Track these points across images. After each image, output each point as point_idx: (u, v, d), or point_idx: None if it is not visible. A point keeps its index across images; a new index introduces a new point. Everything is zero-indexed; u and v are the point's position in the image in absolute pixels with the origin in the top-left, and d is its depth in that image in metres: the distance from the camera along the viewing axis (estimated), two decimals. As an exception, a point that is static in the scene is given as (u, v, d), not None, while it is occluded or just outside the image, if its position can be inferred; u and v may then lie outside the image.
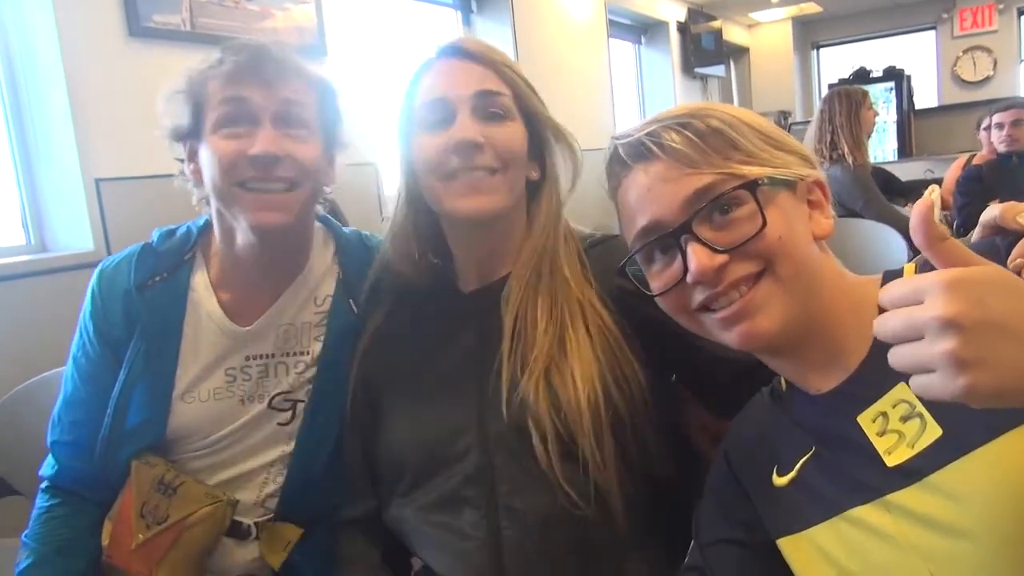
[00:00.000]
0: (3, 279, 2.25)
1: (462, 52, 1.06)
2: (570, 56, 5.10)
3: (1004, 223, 0.76)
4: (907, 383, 0.69)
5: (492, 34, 4.63)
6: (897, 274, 0.78)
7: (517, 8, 4.58)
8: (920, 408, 0.69)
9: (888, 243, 2.93)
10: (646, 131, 0.79)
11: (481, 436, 1.00)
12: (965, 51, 8.05)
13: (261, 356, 1.18)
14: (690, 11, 6.93)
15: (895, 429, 0.70)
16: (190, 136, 1.13)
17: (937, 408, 0.68)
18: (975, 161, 4.46)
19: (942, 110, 8.02)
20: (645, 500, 1.01)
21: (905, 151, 7.67)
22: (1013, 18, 7.88)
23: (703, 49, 7.04)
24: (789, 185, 0.77)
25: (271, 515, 1.20)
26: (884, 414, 0.72)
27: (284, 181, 1.09)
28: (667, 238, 0.77)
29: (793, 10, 8.08)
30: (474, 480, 0.99)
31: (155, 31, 2.62)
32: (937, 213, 4.07)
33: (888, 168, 4.70)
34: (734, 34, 8.09)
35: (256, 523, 1.18)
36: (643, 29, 6.68)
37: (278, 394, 1.18)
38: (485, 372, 1.02)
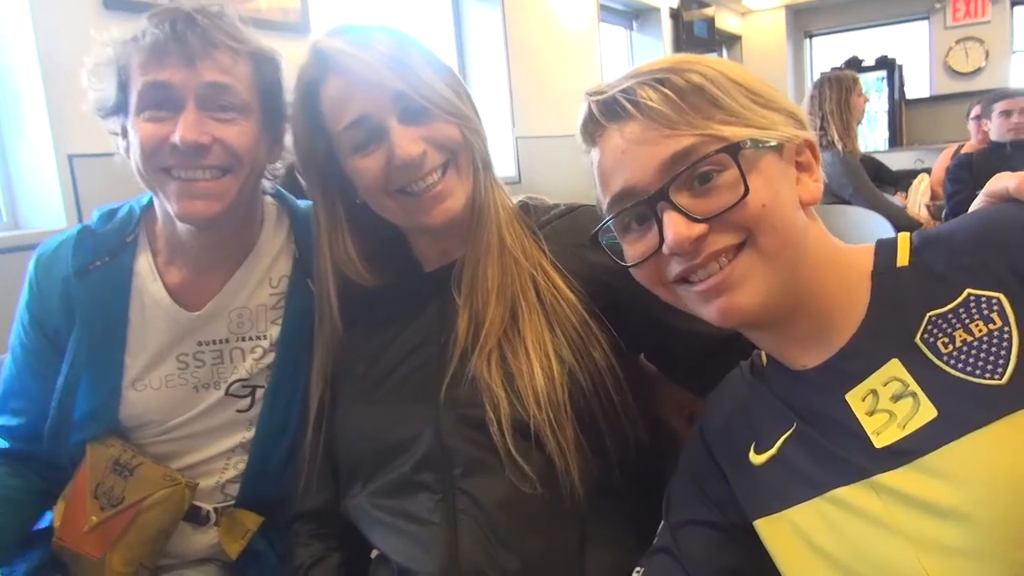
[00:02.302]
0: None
1: (360, 61, 0.94)
2: (561, 39, 5.04)
3: (1020, 194, 0.71)
4: (900, 360, 0.67)
5: (483, 17, 4.57)
6: (891, 243, 0.74)
7: (508, -11, 4.52)
8: (914, 387, 0.66)
9: (877, 231, 2.90)
10: (621, 87, 0.74)
11: (434, 417, 0.95)
12: (958, 41, 8.01)
13: (214, 341, 1.13)
14: (683, -3, 6.87)
15: (885, 408, 0.67)
16: (118, 112, 1.05)
17: (933, 388, 0.65)
18: (964, 150, 4.44)
19: (933, 100, 8.01)
20: (611, 481, 0.97)
21: (896, 141, 7.67)
22: (1006, 9, 7.84)
23: (695, 36, 6.98)
24: (775, 147, 0.72)
25: (231, 501, 1.16)
26: (874, 392, 0.68)
27: (214, 168, 1.02)
28: (642, 205, 0.72)
29: (787, -2, 8.04)
30: (428, 463, 0.94)
31: (132, 3, 2.53)
32: (926, 201, 4.07)
33: (879, 157, 4.69)
34: (727, 21, 8.03)
35: (216, 509, 1.14)
36: (635, 14, 6.61)
37: (235, 381, 1.14)
38: (445, 353, 0.98)
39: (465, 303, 0.98)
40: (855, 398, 0.69)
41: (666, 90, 0.71)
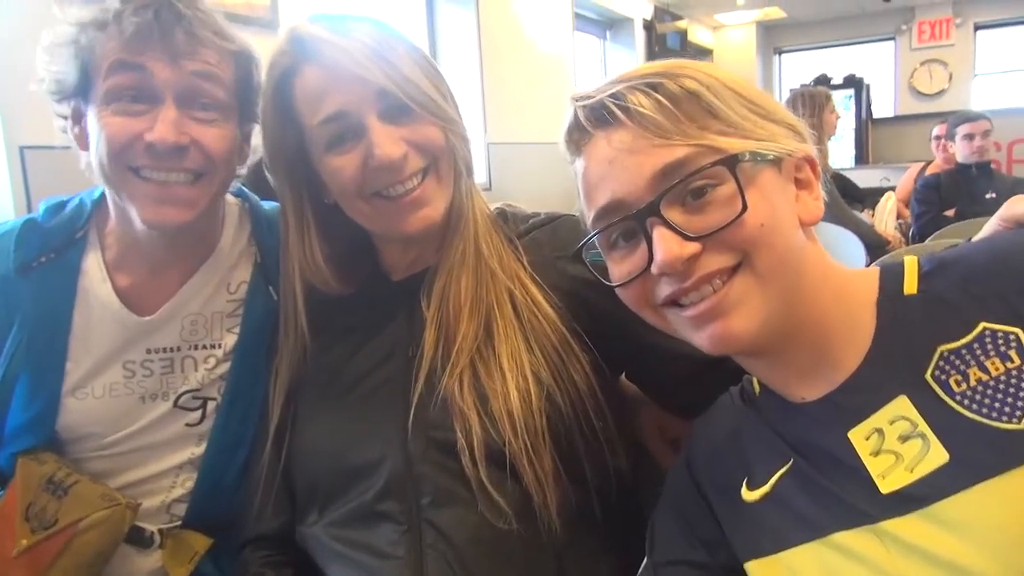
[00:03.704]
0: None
1: (342, 51, 0.87)
2: (535, 45, 5.01)
3: None
4: (909, 397, 0.62)
5: (456, 19, 4.51)
6: (897, 268, 0.69)
7: (482, -6, 4.46)
8: (923, 427, 0.60)
9: (846, 247, 2.90)
10: (610, 92, 0.68)
11: (400, 442, 0.88)
12: (922, 63, 8.18)
13: (165, 349, 1.05)
14: (656, 9, 6.89)
15: (892, 449, 0.61)
16: (75, 95, 0.96)
17: (944, 429, 0.60)
18: (930, 170, 4.50)
19: (899, 120, 8.17)
20: (590, 512, 0.90)
21: (862, 158, 7.78)
22: (970, 32, 8.02)
23: (668, 48, 7.00)
24: (774, 162, 0.66)
25: (178, 522, 1.07)
26: (879, 431, 0.63)
27: (188, 172, 0.94)
28: (630, 220, 0.66)
29: (758, 14, 8.11)
30: (392, 492, 0.87)
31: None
32: (893, 221, 4.11)
33: (845, 174, 4.73)
34: (699, 35, 8.09)
35: (160, 530, 1.06)
36: (609, 24, 6.62)
37: (185, 392, 1.05)
38: (412, 369, 0.91)
39: (434, 316, 0.91)
40: (858, 436, 0.64)
41: (659, 96, 0.66)
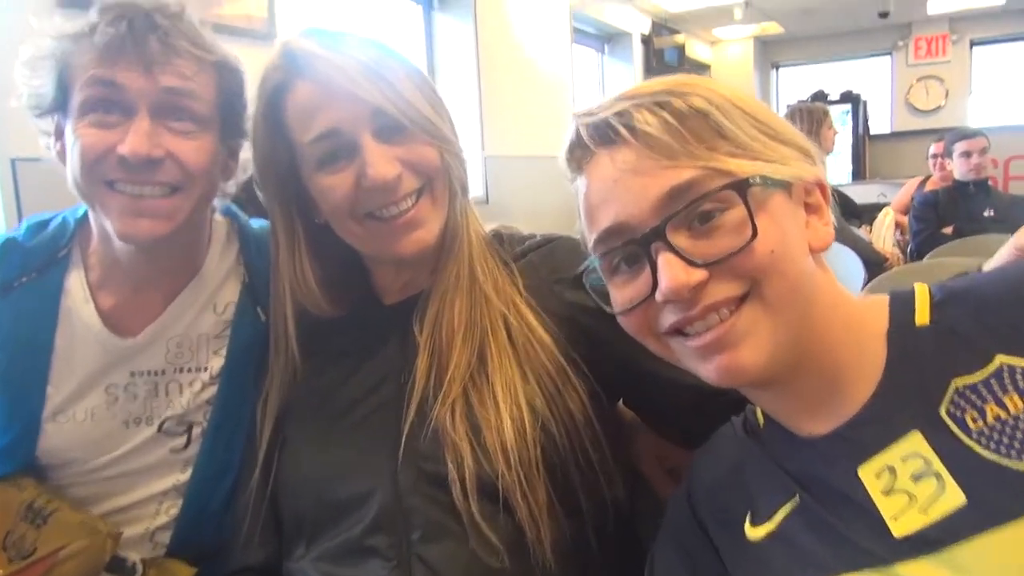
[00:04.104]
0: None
1: (336, 67, 0.84)
2: (533, 59, 5.00)
3: None
4: (923, 433, 0.59)
5: (454, 31, 4.50)
6: (908, 297, 0.67)
7: (480, 7, 4.45)
8: (938, 466, 0.58)
9: (845, 263, 2.88)
10: (615, 109, 0.65)
11: (390, 473, 0.85)
12: (919, 79, 8.20)
13: (149, 372, 1.01)
14: (654, 24, 6.90)
15: (904, 489, 0.59)
16: (55, 110, 0.94)
17: (960, 469, 0.57)
18: (929, 186, 4.50)
19: (895, 136, 8.18)
20: (586, 547, 0.87)
21: (859, 174, 7.78)
22: (966, 49, 8.05)
23: (665, 63, 7.02)
24: (785, 185, 0.64)
25: (162, 551, 1.04)
26: (891, 468, 0.60)
27: (163, 185, 0.91)
28: (634, 245, 0.64)
29: (756, 29, 8.14)
30: (381, 526, 0.84)
31: (88, 1, 2.42)
32: (891, 238, 4.10)
33: (842, 190, 4.72)
34: (696, 50, 8.11)
35: (143, 560, 1.02)
36: (607, 38, 6.63)
37: (170, 417, 1.02)
38: (403, 396, 0.88)
39: (427, 342, 0.89)
40: (869, 473, 0.61)
41: (666, 114, 0.63)
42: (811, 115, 3.49)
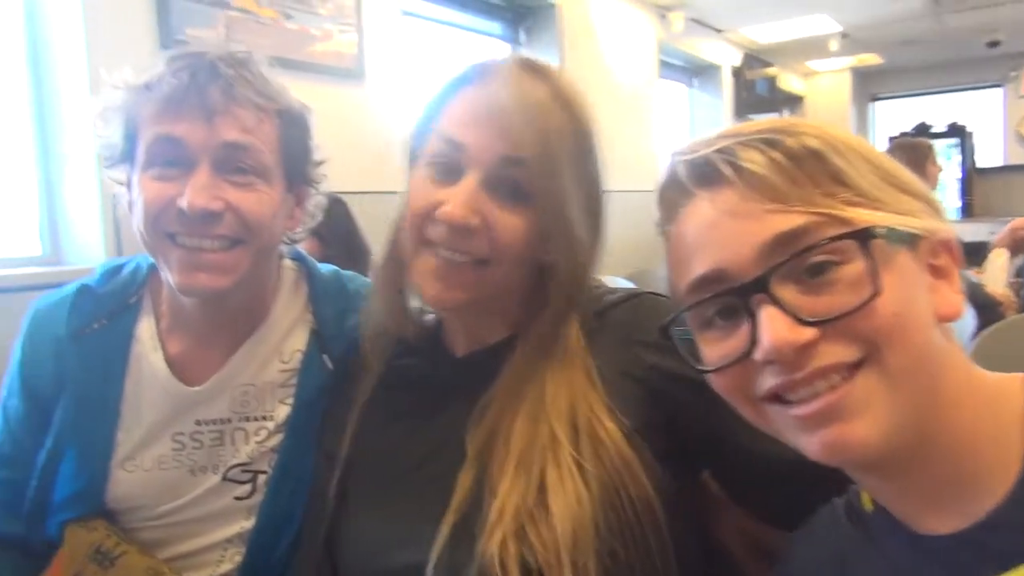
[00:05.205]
0: (18, 289, 2.15)
1: (507, 93, 0.80)
2: (619, 93, 4.95)
3: None
4: None
5: (540, 68, 4.51)
6: None
7: (567, 43, 4.46)
8: None
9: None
10: (717, 146, 0.59)
11: (439, 548, 0.78)
12: (1032, 111, 7.74)
13: (215, 421, 1.00)
14: (746, 56, 6.76)
15: None
16: (123, 161, 0.94)
17: None
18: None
19: (1007, 170, 7.72)
20: None
21: (968, 211, 7.36)
22: (1084, 80, 7.56)
23: (757, 95, 6.86)
24: (912, 242, 0.56)
25: None
26: None
27: (223, 239, 0.90)
28: (733, 295, 0.57)
29: (853, 60, 7.86)
30: None
31: (187, 46, 2.54)
32: (1004, 279, 3.81)
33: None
34: (789, 82, 7.89)
35: None
36: (695, 71, 6.53)
37: (235, 465, 1.00)
38: (457, 471, 0.82)
39: (474, 459, 0.81)
40: None
41: (776, 153, 0.56)
42: (915, 150, 3.31)
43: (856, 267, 0.54)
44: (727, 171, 0.57)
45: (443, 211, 0.80)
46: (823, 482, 0.69)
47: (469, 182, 0.80)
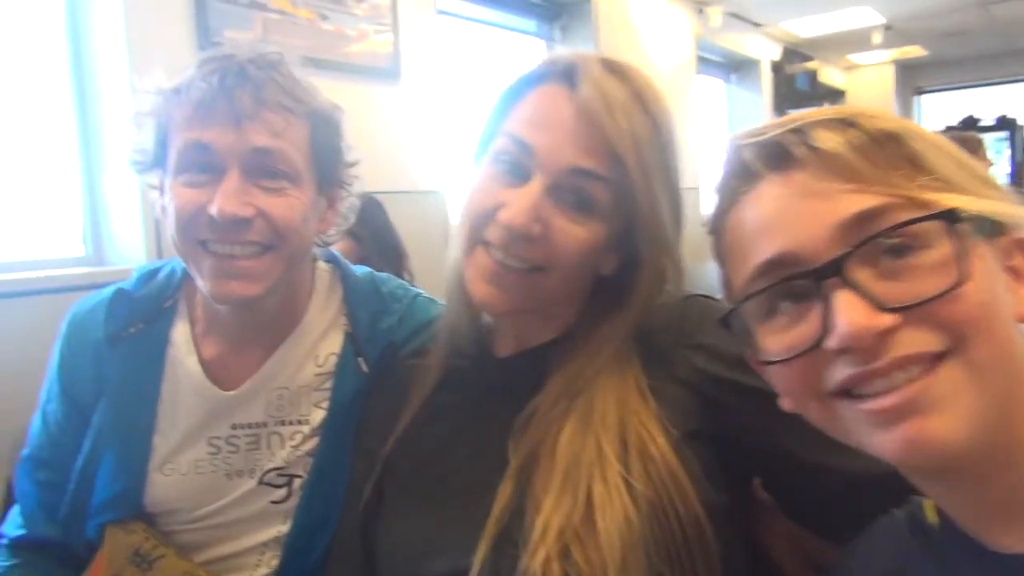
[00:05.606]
0: (60, 290, 2.19)
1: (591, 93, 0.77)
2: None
3: None
4: None
5: (575, 65, 4.48)
6: None
7: (603, 39, 4.41)
8: None
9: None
10: (788, 127, 0.56)
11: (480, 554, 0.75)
12: (1087, 102, 7.47)
13: (250, 425, 0.99)
14: (785, 50, 6.64)
15: None
16: (156, 166, 0.94)
17: None
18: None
19: (1058, 164, 7.46)
20: None
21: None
22: None
23: (796, 90, 6.73)
24: (996, 231, 0.52)
25: None
26: None
27: (254, 245, 0.89)
28: (804, 279, 0.53)
29: (895, 53, 7.67)
30: None
31: (220, 47, 2.55)
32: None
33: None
34: (830, 76, 7.73)
35: None
36: (733, 67, 6.43)
37: (271, 469, 1.00)
38: (500, 478, 0.79)
39: (516, 472, 0.77)
40: None
41: (854, 133, 0.53)
42: (964, 144, 3.11)
43: (940, 251, 0.50)
44: (800, 152, 0.54)
45: (504, 215, 0.77)
46: (885, 495, 0.65)
47: (534, 187, 0.77)
